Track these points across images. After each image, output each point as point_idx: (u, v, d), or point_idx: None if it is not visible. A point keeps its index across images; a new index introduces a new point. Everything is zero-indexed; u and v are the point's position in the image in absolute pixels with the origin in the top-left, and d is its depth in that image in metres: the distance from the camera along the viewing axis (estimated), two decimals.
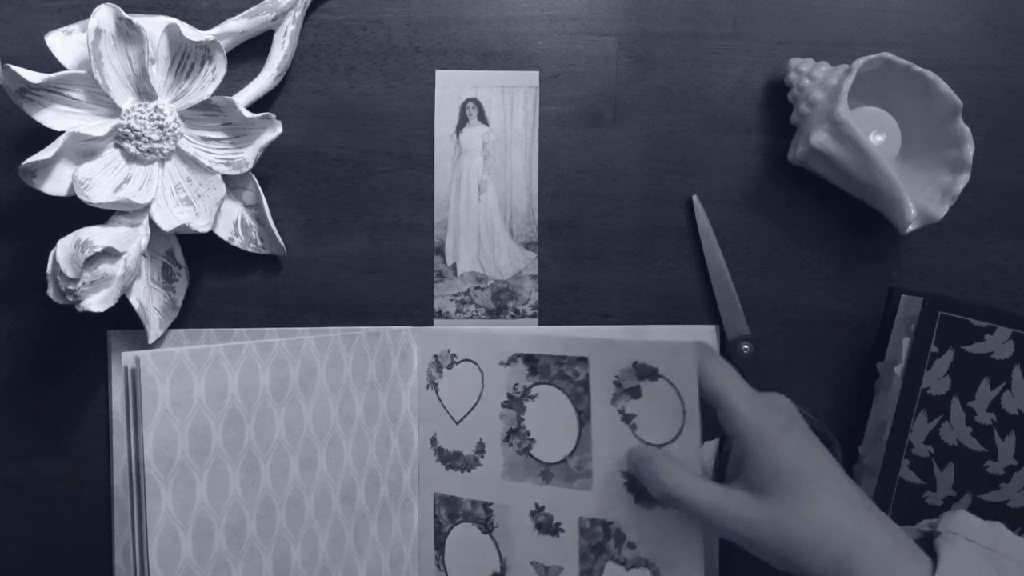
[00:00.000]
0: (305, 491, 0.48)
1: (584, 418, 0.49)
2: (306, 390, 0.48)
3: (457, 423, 0.52)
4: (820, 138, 0.49)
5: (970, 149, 0.49)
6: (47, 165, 0.46)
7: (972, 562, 0.40)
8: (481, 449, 0.51)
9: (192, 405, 0.43)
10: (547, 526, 0.50)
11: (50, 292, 0.45)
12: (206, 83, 0.48)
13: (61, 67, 0.47)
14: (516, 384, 0.51)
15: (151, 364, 0.41)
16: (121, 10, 0.45)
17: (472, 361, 0.52)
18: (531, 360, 0.50)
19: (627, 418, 0.48)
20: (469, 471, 0.52)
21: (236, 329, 0.53)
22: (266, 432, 0.46)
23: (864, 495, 0.42)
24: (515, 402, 0.51)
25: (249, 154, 0.49)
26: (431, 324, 0.54)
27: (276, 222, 0.52)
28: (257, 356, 0.46)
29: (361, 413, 0.51)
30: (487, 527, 0.51)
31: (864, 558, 0.40)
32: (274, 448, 0.46)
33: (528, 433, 0.50)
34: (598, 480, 0.49)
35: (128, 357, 0.41)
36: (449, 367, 0.52)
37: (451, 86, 0.53)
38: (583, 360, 0.49)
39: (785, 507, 0.40)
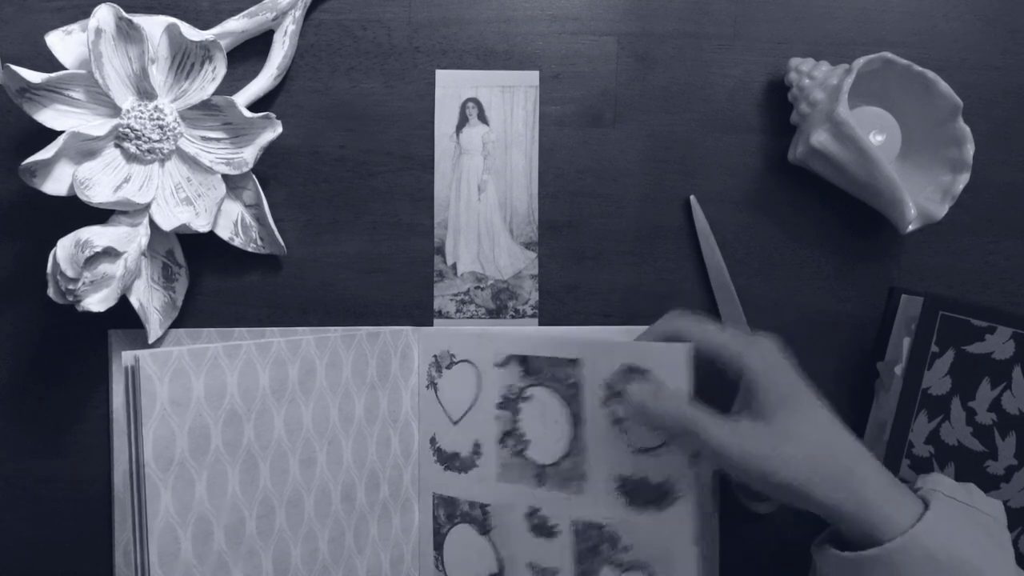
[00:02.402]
0: (305, 491, 0.48)
1: (578, 420, 0.48)
2: (305, 390, 0.48)
3: (455, 423, 0.52)
4: (820, 138, 0.49)
5: (970, 149, 0.49)
6: (47, 165, 0.46)
7: (957, 513, 0.43)
8: (477, 450, 0.51)
9: (191, 404, 0.43)
10: (542, 528, 0.50)
11: (50, 292, 0.45)
12: (206, 83, 0.48)
13: (61, 67, 0.47)
14: (511, 385, 0.51)
15: (150, 363, 0.41)
16: (121, 10, 0.45)
17: (469, 362, 0.52)
18: (524, 362, 0.50)
19: (617, 421, 0.47)
20: (466, 472, 0.52)
21: (236, 329, 0.53)
22: (265, 432, 0.46)
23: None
24: (510, 403, 0.51)
25: (249, 154, 0.49)
26: (431, 324, 0.54)
27: (276, 222, 0.52)
28: (256, 356, 0.46)
29: (361, 413, 0.51)
30: (484, 528, 0.51)
31: (868, 469, 0.42)
32: (273, 448, 0.46)
33: (523, 435, 0.50)
34: (591, 483, 0.49)
35: (127, 356, 0.41)
36: (448, 367, 0.52)
37: (451, 86, 0.53)
38: (574, 362, 0.48)
39: (789, 429, 0.42)
